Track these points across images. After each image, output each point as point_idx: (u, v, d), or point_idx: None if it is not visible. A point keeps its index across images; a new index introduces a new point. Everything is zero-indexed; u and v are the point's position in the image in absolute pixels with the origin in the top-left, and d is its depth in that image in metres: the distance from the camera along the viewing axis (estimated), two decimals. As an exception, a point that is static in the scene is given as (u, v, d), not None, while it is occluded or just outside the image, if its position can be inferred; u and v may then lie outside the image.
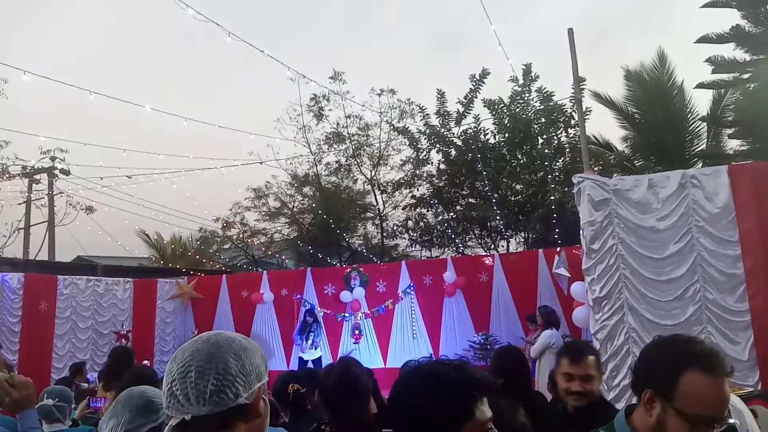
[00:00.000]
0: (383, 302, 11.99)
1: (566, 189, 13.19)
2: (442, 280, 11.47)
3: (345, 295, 12.12)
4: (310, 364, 10.76)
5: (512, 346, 4.25)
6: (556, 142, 15.87)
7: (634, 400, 1.77)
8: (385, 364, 11.50)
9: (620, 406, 3.32)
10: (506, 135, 16.08)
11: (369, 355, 11.54)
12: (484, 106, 16.25)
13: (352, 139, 18.69)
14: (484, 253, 15.51)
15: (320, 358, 10.98)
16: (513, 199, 16.20)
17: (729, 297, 5.50)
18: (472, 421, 1.32)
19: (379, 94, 18.11)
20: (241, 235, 20.13)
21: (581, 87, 10.65)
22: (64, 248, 19.29)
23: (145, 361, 10.33)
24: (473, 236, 17.15)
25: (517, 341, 9.58)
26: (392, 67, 37.84)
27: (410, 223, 17.93)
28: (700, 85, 12.97)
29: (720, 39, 12.03)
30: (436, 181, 17.15)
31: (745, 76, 12.33)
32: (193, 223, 20.19)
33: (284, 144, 19.84)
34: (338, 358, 3.20)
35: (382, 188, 18.80)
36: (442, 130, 16.66)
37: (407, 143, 17.74)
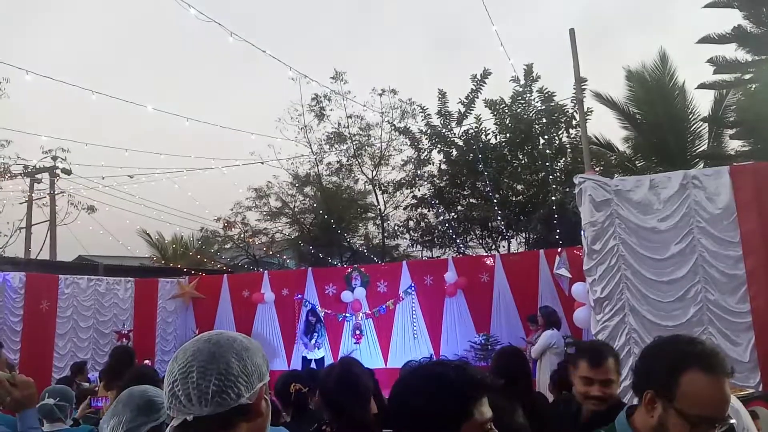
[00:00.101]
0: (384, 302, 11.99)
1: (567, 189, 13.18)
2: (443, 281, 11.47)
3: (346, 295, 12.13)
4: (313, 364, 10.77)
5: (513, 347, 4.25)
6: (557, 142, 15.87)
7: (635, 401, 1.77)
8: (385, 365, 11.50)
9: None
10: (507, 135, 16.07)
11: (370, 356, 11.55)
12: (486, 107, 16.26)
13: (354, 139, 18.70)
14: (485, 254, 15.51)
15: (323, 358, 10.99)
16: (514, 199, 16.19)
17: (730, 298, 5.50)
18: (471, 422, 1.32)
19: (381, 94, 18.13)
20: (242, 235, 20.15)
21: (582, 87, 10.63)
22: (65, 248, 19.38)
23: (146, 361, 10.35)
24: (474, 236, 17.14)
25: (517, 342, 9.58)
26: (393, 66, 37.87)
27: (411, 223, 17.93)
28: (702, 86, 12.97)
29: (721, 39, 12.03)
30: (437, 181, 17.15)
31: (747, 76, 12.33)
32: (195, 223, 20.18)
33: (285, 144, 19.85)
34: (339, 358, 3.20)
35: (383, 188, 18.81)
36: (444, 130, 16.67)
37: (408, 143, 17.76)
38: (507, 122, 16.05)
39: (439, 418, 1.31)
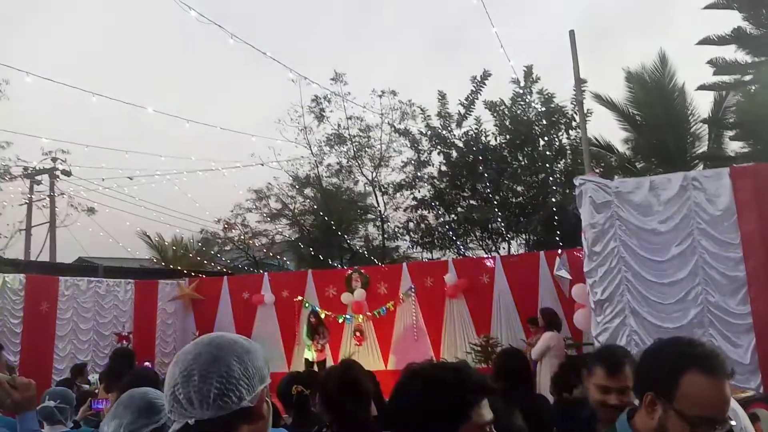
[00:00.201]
0: (384, 304, 11.98)
1: (567, 191, 13.19)
2: (443, 282, 11.45)
3: (346, 297, 12.12)
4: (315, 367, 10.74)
5: (514, 348, 4.25)
6: (557, 143, 15.88)
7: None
8: (386, 366, 11.49)
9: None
10: (507, 137, 16.08)
11: (370, 357, 11.53)
12: (485, 108, 16.26)
13: (353, 140, 18.71)
14: (485, 255, 15.50)
15: (325, 360, 10.96)
16: (514, 200, 16.19)
17: (731, 300, 5.50)
18: (471, 424, 1.32)
19: (380, 96, 18.15)
20: (242, 237, 20.14)
21: (582, 89, 10.64)
22: (65, 249, 19.38)
23: (146, 363, 10.35)
24: (474, 238, 17.14)
25: (518, 343, 9.56)
26: (393, 68, 37.94)
27: (411, 224, 17.92)
28: (702, 87, 12.99)
29: (721, 41, 12.05)
30: (437, 182, 17.15)
31: (747, 78, 12.35)
32: (195, 225, 20.18)
33: (285, 145, 19.86)
34: (339, 360, 3.20)
35: (383, 190, 18.81)
36: (443, 131, 16.67)
37: (408, 145, 17.76)
38: (507, 124, 16.05)
39: (438, 420, 1.31)
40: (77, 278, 11.45)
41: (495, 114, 16.20)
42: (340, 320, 12.16)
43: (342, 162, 19.08)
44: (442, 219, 16.91)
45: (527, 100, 15.97)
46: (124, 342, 11.45)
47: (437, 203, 16.74)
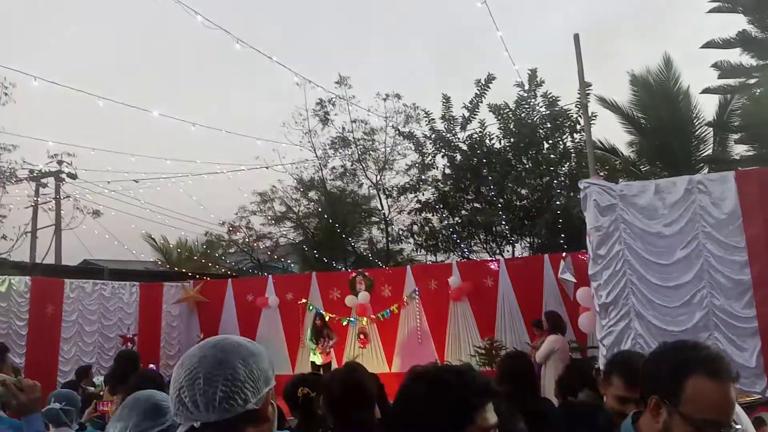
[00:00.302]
0: (388, 307, 11.98)
1: (572, 194, 13.15)
2: (447, 285, 11.45)
3: (350, 300, 12.12)
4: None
5: (519, 351, 4.25)
6: (561, 147, 15.84)
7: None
8: (390, 369, 11.48)
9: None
10: (512, 140, 16.06)
11: (374, 360, 11.53)
12: (490, 111, 16.24)
13: (358, 143, 18.73)
14: (489, 258, 15.47)
15: (330, 363, 10.96)
16: (518, 203, 16.16)
17: (736, 303, 5.48)
18: (474, 427, 1.32)
19: (385, 99, 18.16)
20: (246, 239, 20.17)
21: (587, 92, 10.62)
22: (70, 252, 19.39)
23: (151, 365, 10.37)
24: (478, 241, 17.12)
25: (522, 346, 9.55)
26: (397, 71, 37.93)
27: (415, 227, 17.91)
28: (707, 90, 12.97)
29: (726, 44, 12.02)
30: (442, 185, 17.14)
31: (752, 81, 12.32)
32: (199, 227, 20.22)
33: (290, 148, 19.88)
34: (344, 362, 3.20)
35: (387, 193, 18.81)
36: (448, 134, 16.67)
37: (413, 148, 17.76)
38: (511, 127, 16.03)
39: (442, 423, 1.31)
40: (82, 281, 11.50)
41: (499, 117, 16.18)
42: (344, 323, 12.16)
43: (346, 165, 19.10)
44: (446, 222, 16.89)
45: (532, 104, 15.95)
46: (129, 344, 11.49)
47: (441, 206, 16.72)
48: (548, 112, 15.55)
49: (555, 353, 7.28)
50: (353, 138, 18.68)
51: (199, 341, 1.39)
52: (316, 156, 18.83)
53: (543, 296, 10.74)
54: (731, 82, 12.60)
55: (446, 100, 16.62)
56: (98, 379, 8.36)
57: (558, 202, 13.90)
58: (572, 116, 15.32)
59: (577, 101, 13.89)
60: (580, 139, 15.42)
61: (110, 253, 19.39)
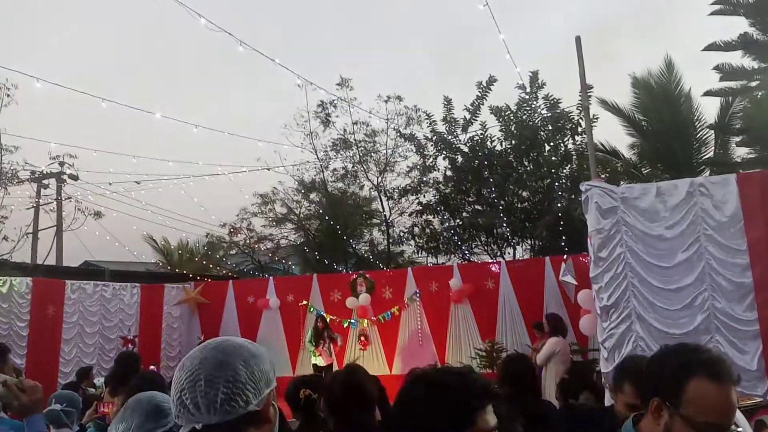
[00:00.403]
0: (389, 309, 11.98)
1: (573, 196, 13.15)
2: (448, 287, 11.45)
3: (351, 302, 12.12)
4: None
5: (520, 354, 4.25)
6: (562, 149, 15.84)
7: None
8: (390, 371, 11.48)
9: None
10: (513, 142, 16.06)
11: (375, 362, 11.52)
12: (491, 113, 16.25)
13: (359, 145, 18.74)
14: (490, 260, 15.47)
15: (331, 365, 10.96)
16: (519, 206, 16.16)
17: (737, 306, 5.47)
18: (474, 429, 1.32)
19: (386, 101, 18.17)
20: (247, 241, 20.18)
21: (588, 94, 10.62)
22: (71, 253, 19.42)
23: (152, 367, 10.38)
24: (479, 243, 17.11)
25: (523, 349, 9.54)
26: (397, 71, 37.97)
27: (416, 229, 17.91)
28: (708, 93, 12.96)
29: (728, 47, 12.02)
30: (443, 187, 17.14)
31: (753, 83, 12.32)
32: (200, 229, 20.25)
33: (291, 150, 19.90)
34: (344, 364, 3.20)
35: (388, 194, 18.81)
36: (449, 136, 16.68)
37: (414, 150, 17.76)
38: (512, 129, 16.03)
39: (442, 425, 1.31)
40: (83, 282, 11.50)
41: (500, 119, 16.19)
42: (345, 325, 12.16)
43: (347, 167, 19.11)
44: (447, 224, 16.89)
45: (533, 106, 15.95)
46: (130, 346, 11.50)
47: (442, 208, 16.73)
48: (549, 114, 15.55)
49: (556, 356, 7.27)
50: (354, 140, 18.70)
51: (200, 343, 1.39)
52: (318, 158, 18.85)
53: (544, 298, 10.74)
54: (733, 84, 12.60)
55: (447, 102, 16.63)
56: (99, 381, 8.36)
57: (559, 205, 13.89)
58: (573, 118, 15.33)
59: (579, 103, 13.89)
60: (581, 141, 15.42)
61: (111, 254, 19.43)
